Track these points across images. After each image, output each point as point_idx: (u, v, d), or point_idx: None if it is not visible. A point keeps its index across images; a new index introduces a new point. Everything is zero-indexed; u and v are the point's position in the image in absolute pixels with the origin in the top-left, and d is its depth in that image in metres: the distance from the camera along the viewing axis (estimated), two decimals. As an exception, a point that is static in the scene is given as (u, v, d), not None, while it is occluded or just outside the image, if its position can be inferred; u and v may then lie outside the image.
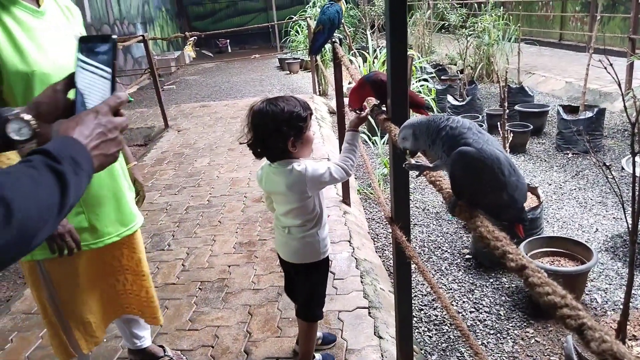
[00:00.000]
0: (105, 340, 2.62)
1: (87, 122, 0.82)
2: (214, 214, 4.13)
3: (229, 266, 3.33)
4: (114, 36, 0.91)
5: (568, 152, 5.38)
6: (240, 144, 1.99)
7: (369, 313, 2.76)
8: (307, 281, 2.19)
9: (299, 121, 1.90)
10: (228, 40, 16.92)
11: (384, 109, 2.11)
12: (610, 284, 3.14)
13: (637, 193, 2.15)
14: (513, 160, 1.18)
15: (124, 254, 2.00)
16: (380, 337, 2.58)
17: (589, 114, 5.31)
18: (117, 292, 2.06)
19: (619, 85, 2.17)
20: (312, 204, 2.02)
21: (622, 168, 3.49)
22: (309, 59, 9.07)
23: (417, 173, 1.33)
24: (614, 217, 3.96)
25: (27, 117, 0.90)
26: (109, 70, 0.91)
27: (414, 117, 1.24)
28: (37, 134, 0.91)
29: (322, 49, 6.71)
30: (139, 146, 6.90)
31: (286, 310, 2.79)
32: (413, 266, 1.97)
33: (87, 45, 0.92)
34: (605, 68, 2.16)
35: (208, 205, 4.34)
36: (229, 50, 16.98)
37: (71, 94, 0.93)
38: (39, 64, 1.55)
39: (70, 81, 0.93)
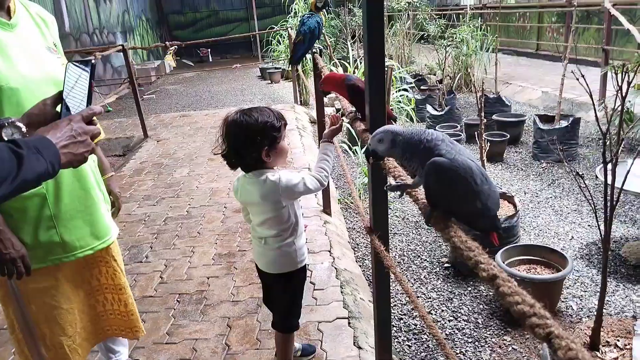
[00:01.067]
0: (80, 355, 2.56)
1: (60, 127, 1.04)
2: (193, 225, 4.10)
3: (208, 278, 3.30)
4: (94, 61, 1.19)
5: (542, 161, 5.48)
6: (215, 154, 2.00)
7: (349, 323, 2.76)
8: (284, 291, 2.20)
9: (273, 131, 1.92)
10: (209, 50, 16.90)
11: (359, 116, 2.14)
12: (585, 291, 3.19)
13: (608, 202, 2.20)
14: (486, 170, 1.20)
15: (102, 272, 1.96)
16: (359, 348, 2.58)
17: (564, 124, 5.43)
18: (98, 313, 2.01)
19: (590, 95, 2.23)
20: (287, 213, 2.04)
21: (596, 177, 3.56)
22: (290, 69, 9.11)
23: (398, 193, 1.35)
24: (588, 225, 4.04)
25: (20, 124, 1.09)
26: (87, 87, 1.16)
27: (394, 126, 1.25)
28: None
29: (303, 59, 6.76)
30: (117, 156, 6.82)
31: (265, 322, 2.78)
32: (393, 275, 1.98)
33: (74, 67, 1.17)
34: (578, 79, 2.21)
35: (187, 216, 4.30)
36: (210, 60, 16.95)
37: (58, 107, 1.16)
38: (7, 79, 1.53)
39: (59, 97, 1.17)
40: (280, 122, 1.96)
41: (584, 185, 2.33)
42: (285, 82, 10.97)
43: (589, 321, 2.57)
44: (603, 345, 2.37)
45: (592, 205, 2.24)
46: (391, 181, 1.32)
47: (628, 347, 2.34)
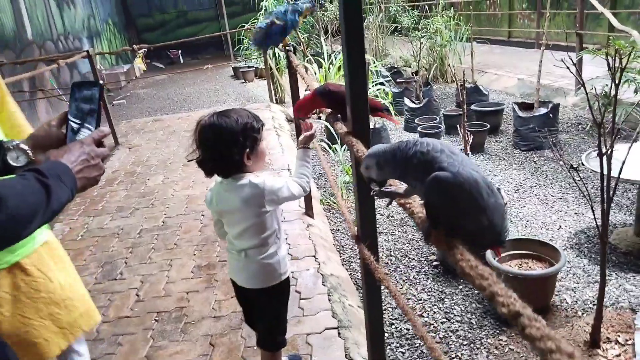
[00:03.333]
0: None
1: (73, 151, 1.04)
2: (170, 236, 3.91)
3: (187, 293, 3.12)
4: (101, 82, 1.32)
5: (525, 150, 5.41)
6: (189, 161, 1.86)
7: (339, 334, 2.62)
8: (269, 306, 2.05)
9: (253, 132, 1.84)
10: (180, 51, 16.53)
11: (339, 116, 2.00)
12: (578, 283, 3.11)
13: (606, 194, 2.11)
14: (489, 179, 1.08)
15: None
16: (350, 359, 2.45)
17: (543, 110, 5.37)
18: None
19: (583, 85, 2.11)
20: (270, 220, 1.92)
21: (582, 164, 3.49)
22: (264, 67, 8.91)
23: (387, 201, 1.24)
24: (575, 213, 3.98)
25: (25, 146, 1.07)
26: (96, 109, 1.15)
27: (378, 146, 1.13)
28: (32, 161, 1.06)
29: (273, 52, 6.51)
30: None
31: (250, 338, 2.62)
32: (385, 288, 1.85)
33: (80, 88, 1.17)
34: (568, 68, 2.10)
35: (163, 226, 4.11)
36: (181, 61, 16.60)
37: (63, 128, 1.16)
38: None
39: (64, 117, 1.15)
40: (259, 124, 1.88)
41: (579, 179, 2.22)
42: (259, 80, 10.77)
43: (587, 317, 2.48)
44: (604, 342, 2.28)
45: (589, 199, 2.14)
46: (376, 186, 1.20)
47: (629, 342, 2.25)
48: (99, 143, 1.10)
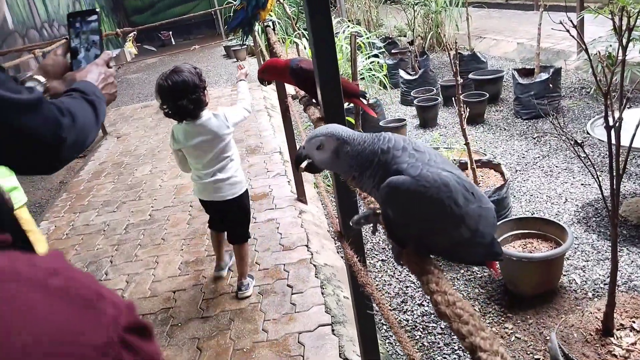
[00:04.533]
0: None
1: (93, 71, 1.18)
2: (157, 231, 3.74)
3: (174, 292, 2.96)
4: (98, 9, 1.32)
5: (527, 118, 5.16)
6: (166, 114, 2.43)
7: (333, 331, 2.46)
8: (239, 210, 2.70)
9: (201, 77, 2.45)
10: (171, 32, 16.12)
11: (314, 100, 1.80)
12: (587, 261, 2.92)
13: (614, 171, 1.90)
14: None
15: None
16: (346, 359, 2.29)
17: (544, 76, 5.10)
18: None
19: (585, 48, 1.88)
20: (230, 142, 2.57)
21: (587, 133, 3.27)
22: (254, 45, 8.61)
23: (370, 227, 1.02)
24: (582, 184, 3.77)
25: (39, 77, 1.16)
26: (98, 35, 1.27)
27: (340, 127, 0.88)
28: (47, 89, 1.16)
29: (246, 30, 6.22)
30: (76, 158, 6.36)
31: (240, 339, 2.46)
32: (373, 297, 1.66)
33: (79, 17, 1.27)
34: (568, 31, 1.87)
35: (150, 220, 3.93)
36: (173, 43, 16.18)
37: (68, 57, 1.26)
38: None
39: (67, 46, 1.26)
40: (199, 69, 2.49)
41: (585, 155, 2.01)
42: (250, 59, 10.45)
43: (598, 301, 2.30)
44: (617, 329, 2.11)
45: (597, 178, 1.93)
46: (357, 220, 0.98)
47: (645, 329, 2.07)
48: (107, 64, 1.25)
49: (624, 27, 1.69)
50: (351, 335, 2.46)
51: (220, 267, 2.98)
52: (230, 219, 2.71)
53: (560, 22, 1.91)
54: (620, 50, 1.75)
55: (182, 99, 2.34)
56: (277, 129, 5.56)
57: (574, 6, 6.04)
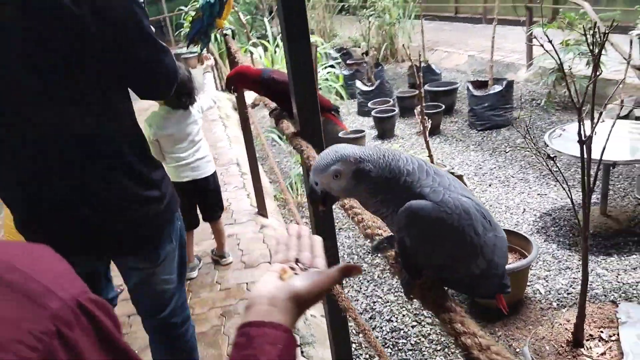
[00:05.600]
0: None
1: None
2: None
3: (129, 317, 2.76)
4: None
5: (481, 129, 5.26)
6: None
7: (302, 352, 2.36)
8: (215, 184, 3.00)
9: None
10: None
11: (285, 114, 1.71)
12: (549, 270, 2.97)
13: (586, 184, 1.91)
14: (486, 209, 0.81)
15: None
16: (317, 382, 2.19)
17: (498, 88, 5.24)
18: None
19: (561, 67, 1.87)
20: (200, 126, 2.87)
21: (545, 144, 3.34)
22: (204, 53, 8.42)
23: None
24: (538, 194, 3.85)
25: None
26: None
27: (353, 147, 0.77)
28: None
29: (204, 39, 6.07)
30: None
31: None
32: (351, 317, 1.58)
33: None
34: (542, 45, 1.87)
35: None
36: (119, 50, 15.64)
37: None
38: None
39: None
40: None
41: (557, 170, 2.02)
42: (202, 66, 10.21)
43: (566, 313, 2.32)
44: (587, 340, 2.12)
45: (568, 191, 1.94)
46: (376, 236, 0.88)
47: (613, 338, 2.10)
48: None
49: (597, 41, 1.70)
50: (321, 356, 2.36)
51: (190, 268, 3.00)
52: (207, 196, 2.96)
53: (534, 37, 1.91)
54: (592, 65, 1.76)
55: (183, 95, 2.66)
56: (233, 139, 5.42)
57: (520, 20, 6.26)
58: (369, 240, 0.93)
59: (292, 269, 0.75)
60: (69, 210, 1.40)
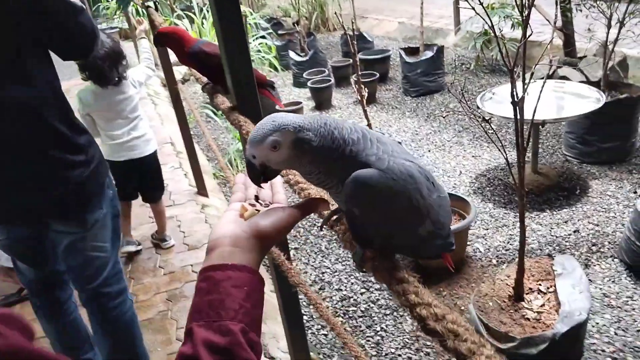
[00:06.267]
0: None
1: None
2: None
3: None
4: None
5: (415, 96, 5.34)
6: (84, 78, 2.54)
7: (253, 330, 2.32)
8: (156, 163, 2.88)
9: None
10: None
11: (219, 88, 1.63)
12: (487, 229, 3.09)
13: (522, 144, 1.97)
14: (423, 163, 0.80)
15: None
16: (272, 359, 2.18)
17: (429, 54, 5.31)
18: None
19: (492, 29, 1.89)
20: (138, 101, 2.71)
21: (477, 107, 3.43)
22: (129, 28, 7.95)
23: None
24: (473, 156, 3.98)
25: None
26: None
27: (290, 115, 0.71)
28: None
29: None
30: None
31: (152, 353, 2.23)
32: (304, 295, 1.56)
33: None
34: (474, 8, 1.87)
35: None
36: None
37: None
38: None
39: None
40: None
41: (492, 131, 2.07)
42: (124, 42, 9.65)
43: (506, 269, 2.42)
44: (527, 293, 2.23)
45: (504, 152, 1.99)
46: (325, 211, 0.82)
47: (551, 290, 2.22)
48: None
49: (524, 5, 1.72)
50: (273, 331, 2.35)
51: (128, 242, 2.91)
52: (146, 177, 2.83)
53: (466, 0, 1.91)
54: (522, 28, 1.79)
55: (112, 67, 2.47)
56: (164, 117, 5.19)
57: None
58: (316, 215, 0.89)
59: (253, 205, 0.72)
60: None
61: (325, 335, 2.51)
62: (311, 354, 2.37)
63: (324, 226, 0.87)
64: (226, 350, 0.53)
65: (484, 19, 1.90)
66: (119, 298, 1.81)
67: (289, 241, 3.25)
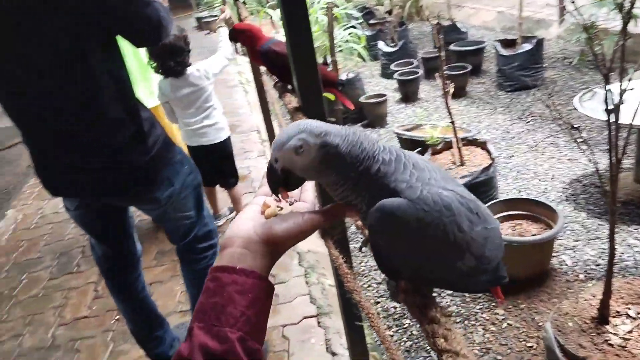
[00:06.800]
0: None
1: None
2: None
3: (150, 284, 2.80)
4: None
5: (510, 90, 5.04)
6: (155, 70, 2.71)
7: (318, 323, 2.35)
8: (231, 150, 3.06)
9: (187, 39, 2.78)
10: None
11: (289, 87, 1.64)
12: (577, 240, 2.86)
13: (612, 154, 1.79)
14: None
15: None
16: (333, 354, 2.19)
17: (527, 47, 4.97)
18: None
19: (587, 27, 1.72)
20: (212, 92, 2.85)
21: (575, 108, 3.16)
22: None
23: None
24: (568, 159, 3.69)
25: None
26: None
27: (322, 123, 0.67)
28: None
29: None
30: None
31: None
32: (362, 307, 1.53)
33: None
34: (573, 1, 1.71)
35: (122, 207, 3.74)
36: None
37: None
38: None
39: None
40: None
41: (582, 140, 1.90)
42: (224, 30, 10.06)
43: (592, 287, 2.22)
44: (613, 316, 2.04)
45: (594, 162, 1.82)
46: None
47: (642, 315, 2.01)
48: None
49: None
50: (338, 327, 2.35)
51: (218, 216, 3.26)
52: (218, 164, 2.99)
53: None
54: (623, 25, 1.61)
55: (170, 60, 2.60)
56: (254, 106, 5.35)
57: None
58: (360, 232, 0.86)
59: (278, 200, 0.69)
60: (70, 161, 1.57)
61: (391, 336, 2.48)
62: (374, 354, 2.36)
63: (363, 247, 0.85)
64: (221, 359, 0.54)
65: (580, 13, 1.73)
66: (207, 252, 2.01)
67: (361, 236, 3.24)
